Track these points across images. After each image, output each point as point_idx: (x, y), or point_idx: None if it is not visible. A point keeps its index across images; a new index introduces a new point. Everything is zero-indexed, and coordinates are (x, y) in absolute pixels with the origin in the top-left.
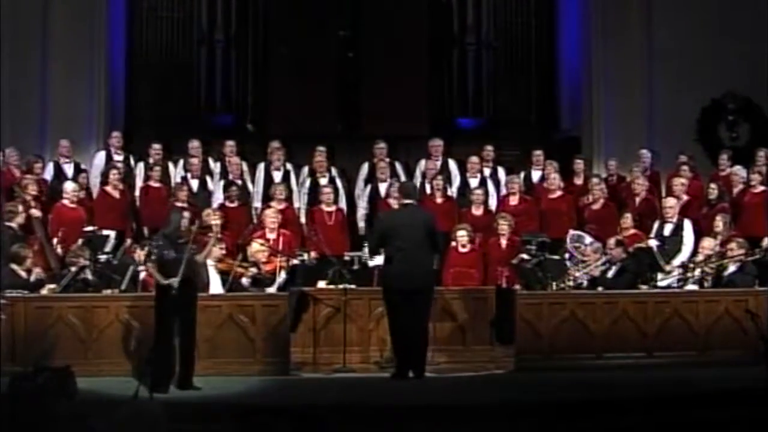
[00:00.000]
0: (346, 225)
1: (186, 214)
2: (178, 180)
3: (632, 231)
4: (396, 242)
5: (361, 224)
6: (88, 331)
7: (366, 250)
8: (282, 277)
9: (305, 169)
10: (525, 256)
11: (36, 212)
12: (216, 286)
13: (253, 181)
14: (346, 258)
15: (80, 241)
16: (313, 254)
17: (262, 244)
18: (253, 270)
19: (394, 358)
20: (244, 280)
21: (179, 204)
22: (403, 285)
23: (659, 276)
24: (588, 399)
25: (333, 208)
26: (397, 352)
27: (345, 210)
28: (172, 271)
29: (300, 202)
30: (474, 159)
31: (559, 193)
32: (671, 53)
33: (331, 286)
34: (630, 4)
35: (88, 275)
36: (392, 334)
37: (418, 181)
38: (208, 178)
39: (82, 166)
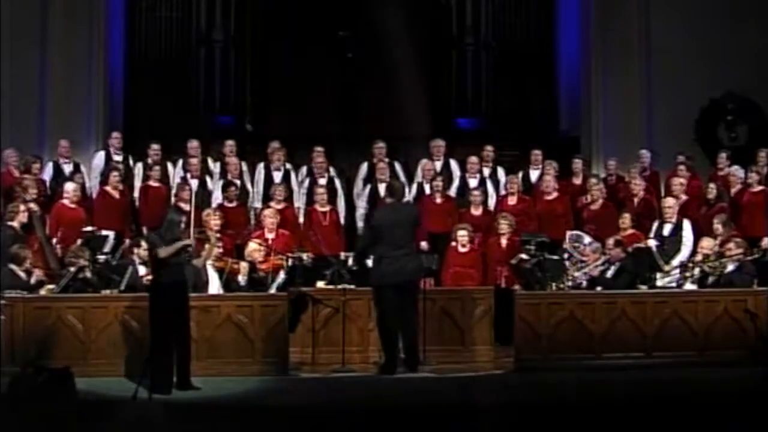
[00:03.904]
0: (341, 225)
1: (183, 217)
2: (178, 180)
3: (631, 231)
4: (387, 241)
5: (360, 224)
6: (87, 332)
7: (353, 254)
8: (281, 277)
9: (304, 169)
10: (524, 256)
11: (37, 210)
12: (215, 286)
13: (252, 181)
14: (343, 257)
15: (79, 241)
16: (310, 254)
17: (259, 244)
18: (245, 265)
19: (382, 354)
20: (240, 278)
21: (182, 204)
22: (394, 280)
23: (658, 276)
24: (587, 399)
25: (327, 209)
26: (386, 348)
27: (344, 210)
28: (166, 271)
29: (300, 203)
30: (473, 159)
31: (555, 194)
32: (670, 53)
33: (330, 287)
34: (628, 4)
35: (88, 275)
36: (381, 330)
37: (418, 181)
38: (207, 178)
39: (81, 167)
